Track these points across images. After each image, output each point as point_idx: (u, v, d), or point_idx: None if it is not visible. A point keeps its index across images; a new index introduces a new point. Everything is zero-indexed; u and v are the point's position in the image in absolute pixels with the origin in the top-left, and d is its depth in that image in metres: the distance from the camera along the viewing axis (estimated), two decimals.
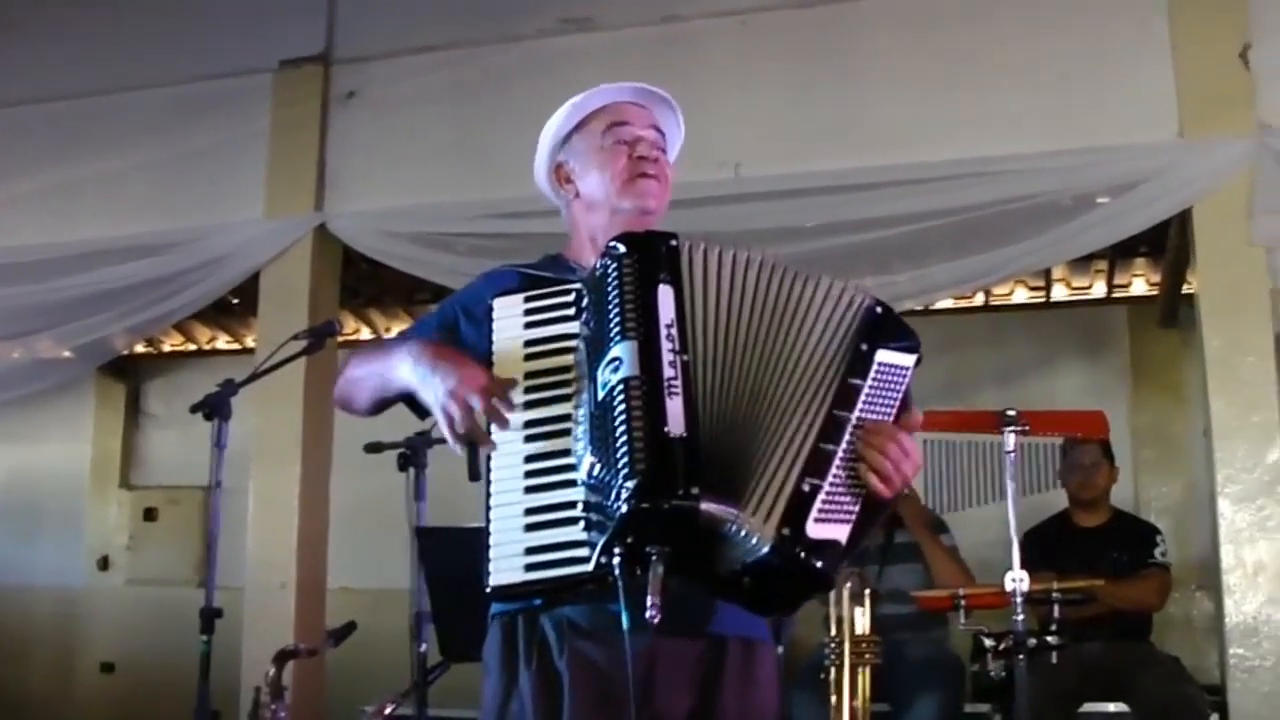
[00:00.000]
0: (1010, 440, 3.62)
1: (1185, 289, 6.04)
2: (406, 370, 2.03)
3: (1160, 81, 4.60)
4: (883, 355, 1.92)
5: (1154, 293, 6.54)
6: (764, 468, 1.79)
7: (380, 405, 2.23)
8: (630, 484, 1.72)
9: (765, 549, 1.74)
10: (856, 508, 1.82)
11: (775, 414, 1.84)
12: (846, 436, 1.84)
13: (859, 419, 1.86)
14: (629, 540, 1.74)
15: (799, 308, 1.94)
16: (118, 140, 5.92)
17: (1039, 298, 6.75)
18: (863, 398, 1.88)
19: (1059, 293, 6.74)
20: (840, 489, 1.81)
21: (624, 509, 1.72)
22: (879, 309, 1.98)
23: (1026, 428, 3.63)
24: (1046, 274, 6.42)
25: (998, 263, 4.79)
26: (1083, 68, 4.75)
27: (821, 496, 1.78)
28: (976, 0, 4.98)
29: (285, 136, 5.64)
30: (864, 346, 1.92)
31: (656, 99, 2.28)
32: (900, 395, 1.92)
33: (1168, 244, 5.60)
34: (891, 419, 1.89)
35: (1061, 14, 4.84)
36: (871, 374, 1.90)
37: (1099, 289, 6.70)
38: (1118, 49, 4.74)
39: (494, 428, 1.92)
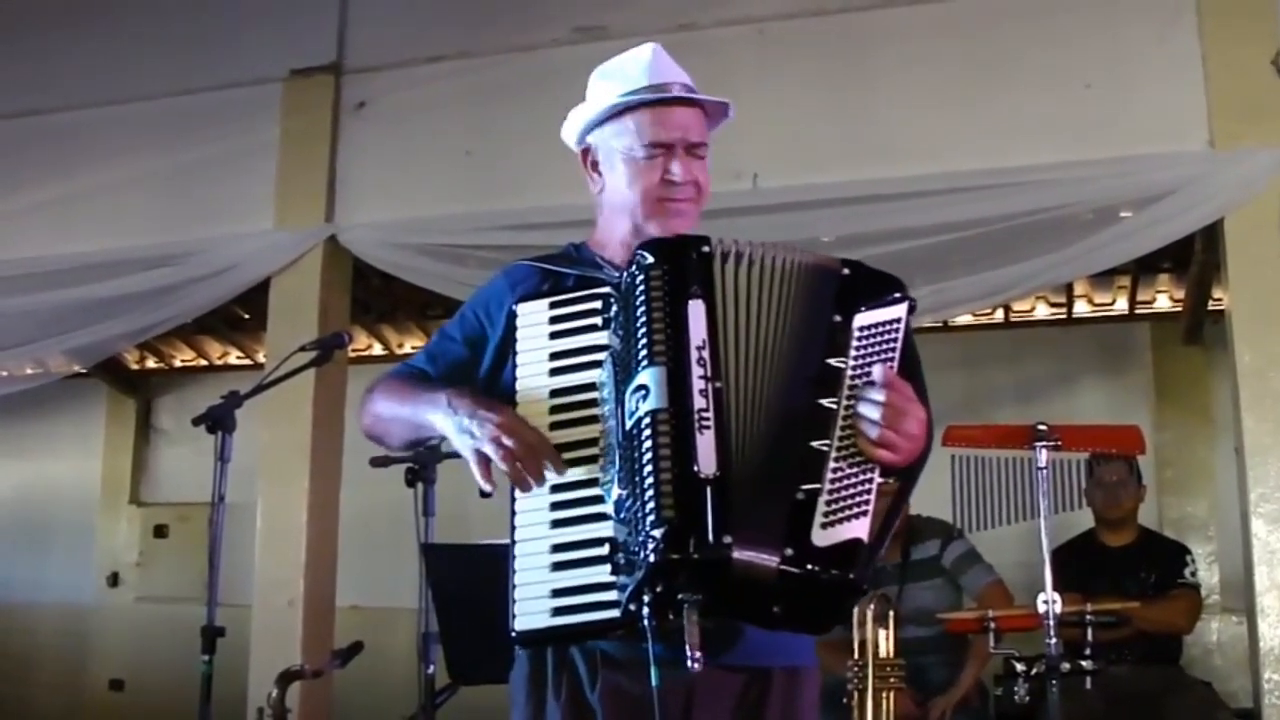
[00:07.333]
0: (1042, 456, 3.51)
1: (1211, 305, 5.94)
2: (439, 419, 1.91)
3: (1189, 90, 4.48)
4: (861, 320, 1.78)
5: (1178, 309, 6.45)
6: (770, 491, 1.67)
7: (415, 445, 2.15)
8: (657, 532, 1.61)
9: (772, 576, 1.62)
10: (871, 494, 1.67)
11: (784, 428, 1.71)
12: (839, 425, 1.70)
13: (849, 401, 1.72)
14: (658, 589, 1.63)
15: (787, 300, 1.80)
16: (126, 151, 5.87)
17: (1060, 314, 6.66)
18: (848, 376, 1.73)
19: (1080, 309, 6.65)
20: (845, 482, 1.67)
21: (651, 559, 1.61)
22: (846, 270, 1.84)
23: (1058, 443, 3.52)
24: (1068, 290, 6.33)
25: (1023, 275, 4.68)
26: (1108, 76, 4.64)
27: (823, 499, 1.65)
28: (997, 8, 4.87)
29: (295, 147, 5.57)
30: (837, 318, 1.78)
31: (710, 102, 2.11)
32: (896, 353, 1.76)
33: (1192, 259, 5.50)
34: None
35: (1085, 21, 4.73)
36: (853, 346, 1.76)
37: (1121, 305, 6.62)
38: (1144, 57, 4.62)
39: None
